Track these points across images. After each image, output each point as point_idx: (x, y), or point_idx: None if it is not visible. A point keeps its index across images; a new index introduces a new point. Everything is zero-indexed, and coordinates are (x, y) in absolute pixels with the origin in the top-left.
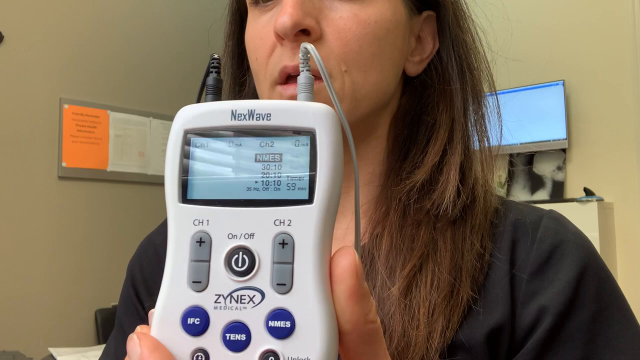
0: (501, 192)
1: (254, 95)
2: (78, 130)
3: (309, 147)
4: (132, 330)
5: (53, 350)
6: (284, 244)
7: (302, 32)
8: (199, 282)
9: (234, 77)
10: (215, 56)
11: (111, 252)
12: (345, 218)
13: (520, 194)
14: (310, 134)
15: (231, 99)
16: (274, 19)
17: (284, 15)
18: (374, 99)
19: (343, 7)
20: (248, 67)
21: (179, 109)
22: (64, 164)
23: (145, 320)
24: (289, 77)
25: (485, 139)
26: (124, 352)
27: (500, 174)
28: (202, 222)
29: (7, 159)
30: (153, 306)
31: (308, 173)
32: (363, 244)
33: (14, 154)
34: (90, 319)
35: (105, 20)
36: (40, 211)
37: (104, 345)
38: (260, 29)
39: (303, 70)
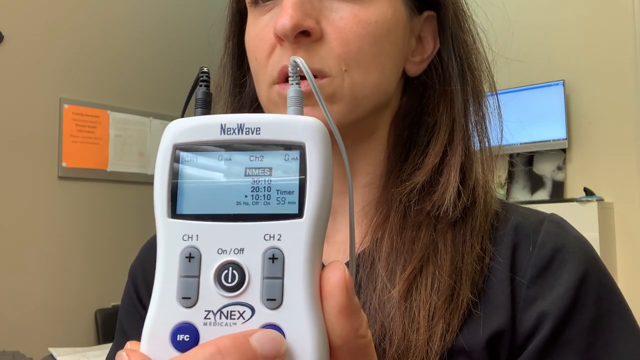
0: (501, 192)
1: (254, 97)
2: (78, 130)
3: (298, 161)
4: (135, 334)
5: (53, 350)
6: (274, 259)
7: (302, 34)
8: (189, 298)
9: (234, 78)
10: (205, 69)
11: (111, 252)
12: (347, 220)
13: (520, 194)
14: (300, 148)
15: (231, 101)
16: (274, 19)
17: (284, 17)
18: (374, 99)
19: (343, 7)
20: (248, 68)
21: (179, 109)
22: (64, 164)
23: None
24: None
25: (486, 140)
26: None
27: (500, 174)
28: (192, 237)
29: (7, 159)
30: None
31: (298, 187)
32: (364, 248)
33: (14, 154)
34: (90, 319)
35: (105, 21)
36: (40, 211)
37: (104, 345)
38: (260, 30)
39: (293, 84)
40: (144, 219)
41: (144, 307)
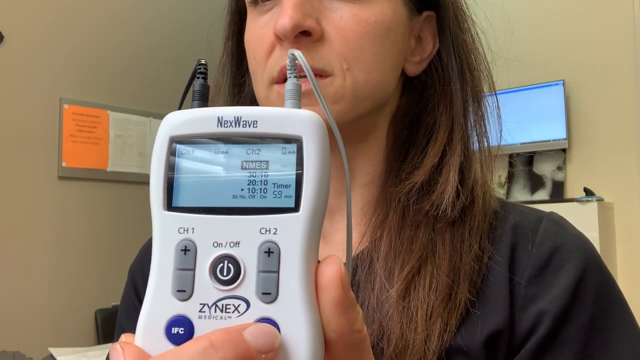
0: (501, 192)
1: (254, 97)
2: (78, 130)
3: (295, 154)
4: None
5: (53, 350)
6: (270, 253)
7: (303, 34)
8: (184, 291)
9: (233, 77)
10: (202, 61)
11: (111, 252)
12: (345, 220)
13: (520, 194)
14: (297, 142)
15: (230, 100)
16: (274, 19)
17: (284, 17)
18: (375, 98)
19: (343, 7)
20: (247, 68)
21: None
22: (64, 164)
23: None
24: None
25: (485, 140)
26: None
27: (500, 174)
28: (187, 230)
29: (7, 159)
30: None
31: (294, 181)
32: (363, 248)
33: (14, 154)
34: (90, 319)
35: (105, 20)
36: (40, 211)
37: (104, 345)
38: (260, 30)
39: (290, 77)
40: (143, 219)
41: None
